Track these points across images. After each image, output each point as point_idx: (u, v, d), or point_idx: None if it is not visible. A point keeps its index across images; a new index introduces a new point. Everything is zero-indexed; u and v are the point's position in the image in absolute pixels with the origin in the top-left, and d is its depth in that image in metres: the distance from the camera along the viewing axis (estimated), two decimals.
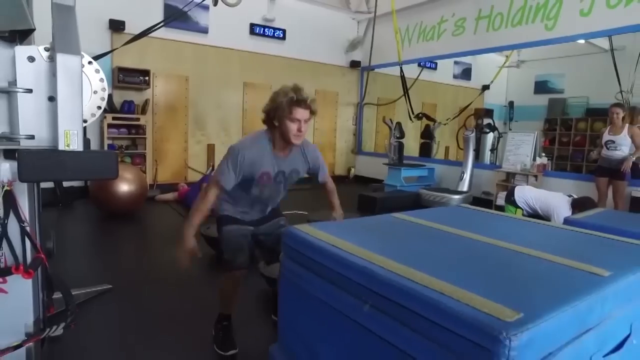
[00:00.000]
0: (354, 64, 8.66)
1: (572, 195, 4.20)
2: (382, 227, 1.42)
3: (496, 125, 8.13)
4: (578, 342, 0.81)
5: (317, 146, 2.39)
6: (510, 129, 10.49)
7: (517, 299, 0.80)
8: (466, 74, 10.51)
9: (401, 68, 6.92)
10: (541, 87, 10.73)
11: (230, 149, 1.94)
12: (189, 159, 6.83)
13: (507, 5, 6.30)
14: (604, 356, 0.89)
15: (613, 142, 4.74)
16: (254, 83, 7.45)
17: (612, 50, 7.57)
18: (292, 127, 1.86)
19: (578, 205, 3.95)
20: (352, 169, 8.74)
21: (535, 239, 1.25)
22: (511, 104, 10.98)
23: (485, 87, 9.90)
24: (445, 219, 1.47)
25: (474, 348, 0.71)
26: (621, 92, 7.36)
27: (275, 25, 7.60)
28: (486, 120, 7.14)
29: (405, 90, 7.01)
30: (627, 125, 4.70)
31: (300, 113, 1.85)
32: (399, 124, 7.11)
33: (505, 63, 8.75)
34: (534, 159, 5.58)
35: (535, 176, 5.45)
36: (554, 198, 4.22)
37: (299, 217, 4.85)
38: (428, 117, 7.67)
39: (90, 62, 1.40)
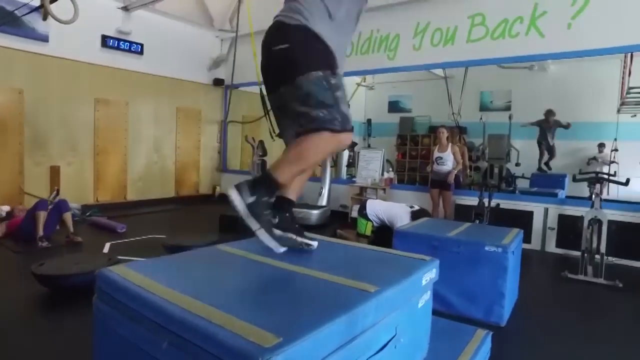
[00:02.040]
0: (218, 82, 8.63)
1: (413, 207, 4.80)
2: (197, 262, 1.49)
3: (355, 141, 8.86)
4: (341, 351, 0.97)
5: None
6: (369, 145, 11.49)
7: (285, 322, 0.93)
8: None
9: (261, 89, 7.11)
10: (393, 106, 12.02)
11: None
12: (26, 183, 6.02)
13: (356, 35, 6.96)
14: (369, 358, 1.07)
15: (441, 158, 5.56)
16: (107, 99, 6.93)
17: (445, 78, 8.90)
18: None
19: (416, 215, 4.53)
20: (218, 188, 8.65)
21: (329, 262, 1.44)
22: (369, 121, 12.02)
23: None
24: (260, 248, 1.61)
25: None
26: (452, 113, 8.68)
27: (132, 39, 7.19)
28: None
29: (266, 110, 7.21)
30: (450, 144, 5.57)
31: None
32: (261, 142, 7.28)
33: (359, 85, 9.59)
34: (382, 174, 6.23)
35: (384, 189, 6.09)
36: (397, 209, 4.76)
37: (155, 242, 4.64)
38: None
39: None
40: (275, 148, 8.69)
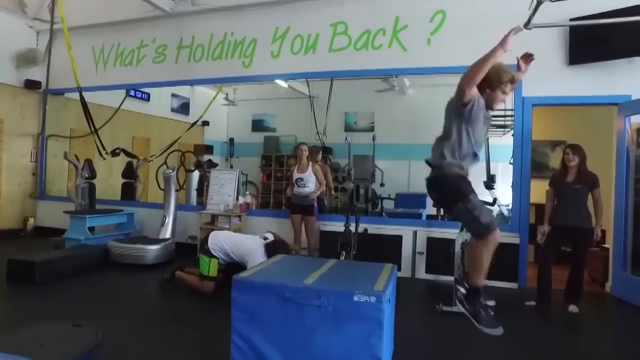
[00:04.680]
0: (32, 85, 6.80)
1: (267, 238, 3.93)
2: None
3: (215, 161, 7.79)
4: None
5: None
6: (231, 166, 10.51)
7: None
8: (185, 108, 9.99)
9: (81, 94, 5.66)
10: (257, 125, 11.27)
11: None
12: None
13: (208, 38, 6.03)
14: None
15: (302, 179, 4.89)
16: None
17: (310, 97, 8.45)
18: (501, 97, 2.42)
19: (271, 249, 3.70)
20: (31, 219, 6.71)
21: None
22: (231, 140, 11.09)
23: (205, 123, 9.60)
24: None
25: None
26: (318, 133, 8.25)
27: None
28: (191, 158, 6.64)
29: (92, 124, 5.76)
30: (311, 163, 4.93)
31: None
32: (89, 161, 5.77)
33: (213, 98, 8.59)
34: (237, 198, 5.29)
35: (239, 216, 5.15)
36: (248, 243, 3.87)
37: None
38: (128, 154, 6.60)
39: None
40: (112, 168, 7.14)
